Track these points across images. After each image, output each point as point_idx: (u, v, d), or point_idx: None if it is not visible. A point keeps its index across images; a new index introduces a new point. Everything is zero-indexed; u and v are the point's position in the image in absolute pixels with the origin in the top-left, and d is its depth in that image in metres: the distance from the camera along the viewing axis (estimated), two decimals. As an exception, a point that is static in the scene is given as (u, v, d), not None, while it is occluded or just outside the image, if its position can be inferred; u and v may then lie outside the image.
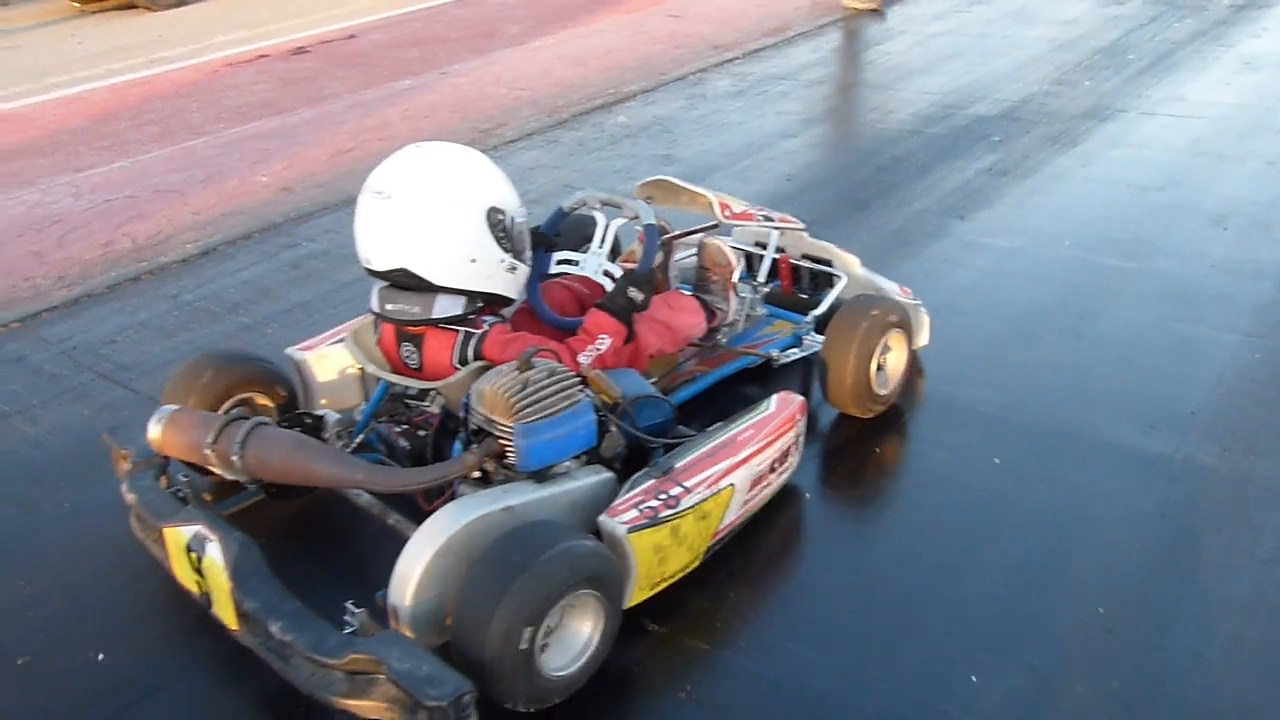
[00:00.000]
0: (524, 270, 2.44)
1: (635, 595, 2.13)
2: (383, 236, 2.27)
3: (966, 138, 5.17)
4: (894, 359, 2.87)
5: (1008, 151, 4.95)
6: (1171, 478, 2.61)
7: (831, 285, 3.19)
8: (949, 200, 4.42)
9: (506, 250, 2.34)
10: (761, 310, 3.14)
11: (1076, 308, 3.51)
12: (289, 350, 2.77)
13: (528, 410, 2.07)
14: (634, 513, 2.10)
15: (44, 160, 5.93)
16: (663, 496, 2.14)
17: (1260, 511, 2.48)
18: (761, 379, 3.01)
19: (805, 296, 3.29)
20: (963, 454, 2.75)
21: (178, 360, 3.48)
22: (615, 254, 2.99)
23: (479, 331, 2.33)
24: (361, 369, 2.55)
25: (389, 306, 2.34)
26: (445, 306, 2.31)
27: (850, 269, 3.20)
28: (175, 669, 2.20)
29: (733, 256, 2.98)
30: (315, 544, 2.57)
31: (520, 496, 2.08)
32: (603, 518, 2.10)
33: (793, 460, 2.52)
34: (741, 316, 3.02)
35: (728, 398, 2.89)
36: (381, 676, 1.80)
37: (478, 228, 2.28)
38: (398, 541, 2.06)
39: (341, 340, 2.67)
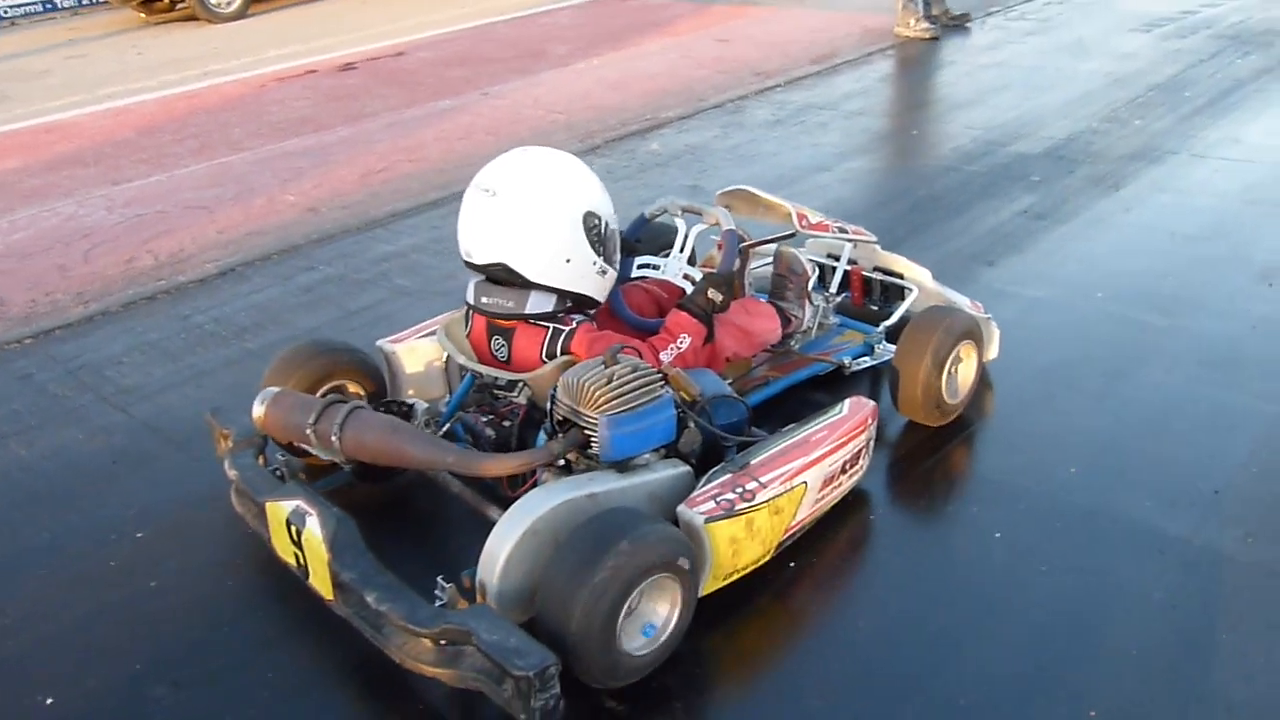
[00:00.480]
0: (612, 275, 2.55)
1: (709, 584, 2.22)
2: (485, 231, 2.40)
3: (1006, 177, 4.97)
4: (964, 369, 2.95)
5: (1047, 193, 4.75)
6: (1188, 565, 2.41)
7: (903, 297, 3.29)
8: (980, 244, 4.23)
9: (599, 254, 2.46)
10: (834, 320, 3.26)
11: (1104, 366, 3.31)
12: (380, 342, 2.91)
13: (613, 403, 2.17)
14: (711, 504, 2.20)
15: (86, 171, 5.99)
16: (739, 490, 2.24)
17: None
18: (831, 386, 3.04)
19: (876, 309, 3.38)
20: (963, 526, 2.59)
21: (178, 384, 3.49)
22: (693, 260, 3.06)
23: (567, 328, 2.44)
24: (447, 362, 2.80)
25: (485, 300, 2.47)
26: (537, 303, 2.42)
27: (921, 282, 3.28)
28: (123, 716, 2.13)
29: (808, 265, 3.09)
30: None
31: (603, 485, 2.18)
32: (681, 508, 2.19)
33: (863, 463, 2.59)
34: (815, 324, 3.15)
35: (797, 403, 2.92)
36: (470, 648, 1.91)
37: (574, 230, 2.40)
38: (483, 524, 2.18)
39: (430, 334, 2.86)
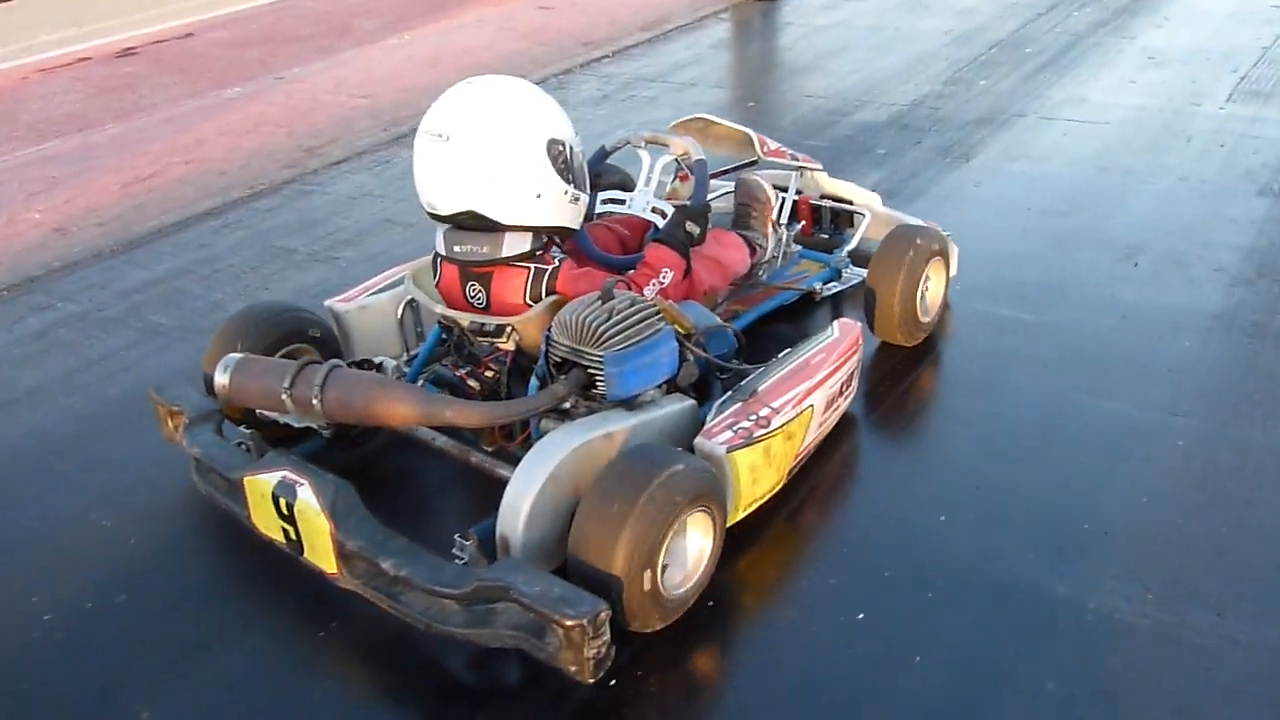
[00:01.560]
0: (585, 200, 2.41)
1: (733, 515, 2.17)
2: (446, 180, 2.23)
3: (850, 151, 4.54)
4: (934, 286, 2.96)
5: (895, 167, 4.34)
6: (1082, 638, 1.99)
7: (852, 224, 3.33)
8: (826, 232, 3.77)
9: (568, 182, 2.30)
10: (795, 248, 3.21)
11: (966, 380, 2.90)
12: (328, 302, 2.72)
13: (617, 338, 2.09)
14: (729, 434, 2.15)
15: None
16: (754, 418, 2.20)
17: (1190, 688, 1.88)
18: (796, 318, 3.00)
19: (826, 237, 3.38)
20: (819, 602, 2.11)
21: None
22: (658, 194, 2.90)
23: (550, 267, 2.32)
24: (403, 317, 2.71)
25: (457, 249, 2.31)
26: (514, 244, 2.29)
27: (871, 206, 3.32)
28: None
29: (772, 192, 3.04)
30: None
31: (617, 424, 2.10)
32: (700, 440, 2.14)
33: (854, 386, 2.58)
34: (780, 253, 3.08)
35: (764, 337, 2.83)
36: (501, 605, 1.83)
37: (540, 162, 2.24)
38: (477, 480, 2.17)
39: (381, 291, 2.73)
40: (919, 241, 2.87)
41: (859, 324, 2.57)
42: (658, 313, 2.20)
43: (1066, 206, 3.88)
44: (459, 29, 7.33)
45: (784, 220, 3.10)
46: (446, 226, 2.31)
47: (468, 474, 2.31)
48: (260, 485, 2.07)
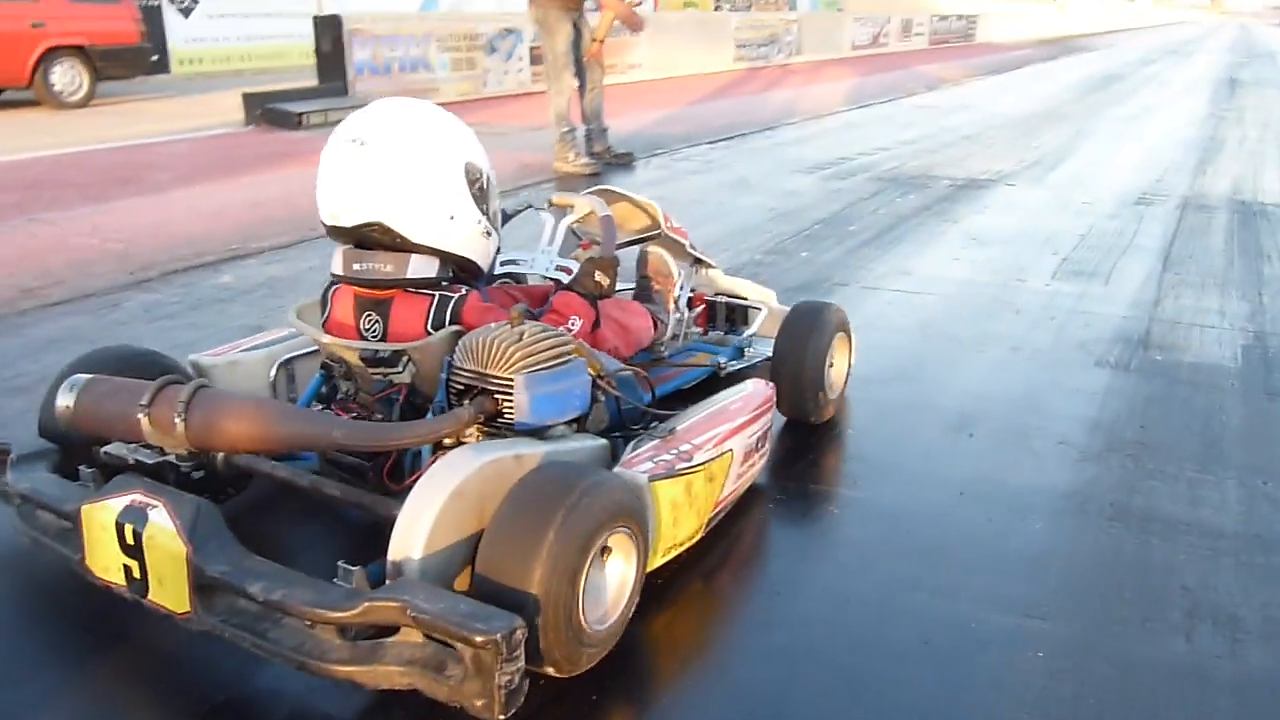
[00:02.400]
0: (495, 241, 2.27)
1: (651, 558, 1.97)
2: (357, 188, 2.07)
3: (659, 312, 4.00)
4: (839, 362, 3.00)
5: (708, 331, 3.81)
6: None
7: (747, 322, 3.25)
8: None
9: (482, 211, 2.18)
10: (695, 329, 3.15)
11: (776, 574, 2.25)
12: (194, 357, 2.43)
13: (527, 362, 1.94)
14: (650, 464, 2.02)
15: None
16: (674, 452, 2.10)
17: None
18: (699, 396, 2.47)
19: (722, 334, 3.26)
20: None
21: None
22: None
23: (456, 295, 2.14)
24: (276, 377, 2.47)
25: (357, 266, 2.11)
26: (419, 267, 2.11)
27: (768, 302, 3.26)
28: None
29: (675, 267, 2.97)
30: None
31: (529, 449, 1.90)
32: (619, 469, 1.99)
33: (767, 448, 2.50)
34: (682, 332, 2.96)
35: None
36: (389, 641, 1.61)
37: (457, 183, 2.12)
38: (364, 529, 1.98)
39: (252, 349, 2.51)
40: (825, 313, 2.91)
41: (771, 385, 2.53)
42: (570, 344, 2.04)
43: (892, 375, 3.39)
44: (260, 185, 6.69)
45: (683, 303, 2.97)
46: (346, 247, 2.14)
47: (350, 525, 2.17)
48: (101, 514, 1.82)
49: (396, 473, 2.03)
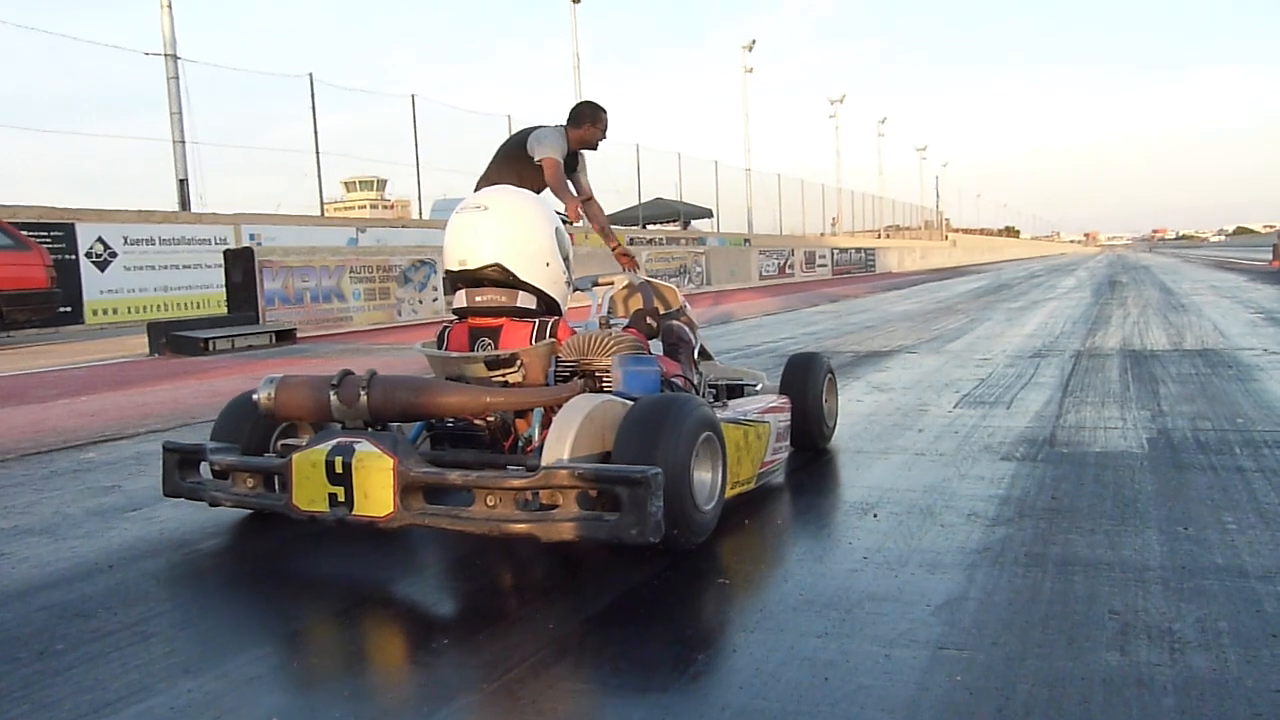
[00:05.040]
0: (570, 291, 2.94)
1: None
2: (481, 239, 2.77)
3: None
4: (831, 400, 3.69)
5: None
6: None
7: (743, 394, 3.60)
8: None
9: (566, 265, 2.88)
10: (710, 393, 3.42)
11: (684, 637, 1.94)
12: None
13: (618, 349, 2.74)
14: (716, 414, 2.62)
15: None
16: (731, 411, 2.90)
17: None
18: None
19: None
20: None
21: None
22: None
23: (553, 319, 2.82)
24: None
25: (479, 298, 2.80)
26: (525, 300, 2.80)
27: (761, 378, 3.74)
28: None
29: (693, 336, 3.45)
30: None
31: (627, 402, 2.49)
32: None
33: (787, 444, 3.22)
34: (702, 386, 3.26)
35: None
36: (558, 509, 2.17)
37: (551, 237, 2.83)
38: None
39: None
40: (813, 362, 3.64)
41: (786, 397, 3.37)
42: (642, 345, 2.88)
43: (793, 482, 3.17)
44: (152, 392, 6.42)
45: (698, 362, 3.46)
46: (467, 289, 2.81)
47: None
48: (311, 457, 2.34)
49: (512, 444, 2.69)
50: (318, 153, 17.21)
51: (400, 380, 2.43)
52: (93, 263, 13.76)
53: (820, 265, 28.21)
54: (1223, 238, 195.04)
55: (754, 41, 33.89)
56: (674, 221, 28.58)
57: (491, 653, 1.86)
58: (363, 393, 2.40)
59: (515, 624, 2.02)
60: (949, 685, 1.63)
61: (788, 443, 3.19)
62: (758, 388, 3.65)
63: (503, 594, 2.30)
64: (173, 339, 9.04)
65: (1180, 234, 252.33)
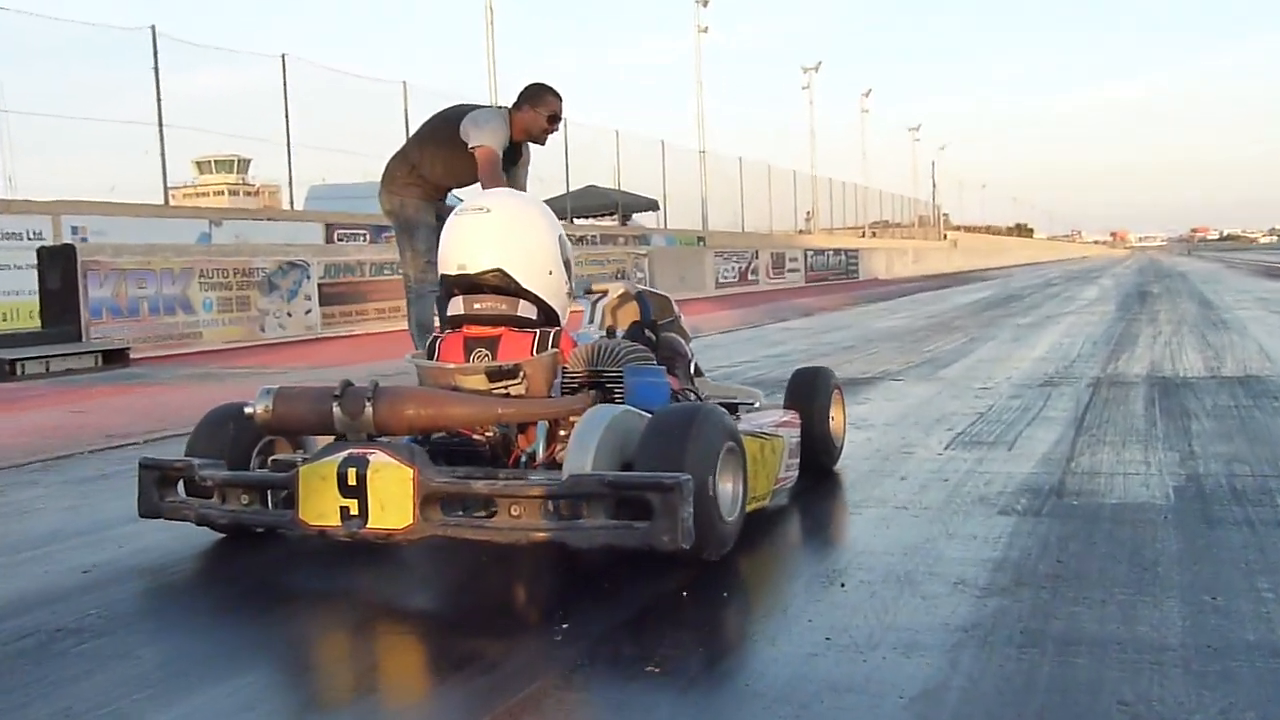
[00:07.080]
0: (570, 301, 3.39)
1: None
2: (481, 242, 3.15)
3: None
4: (838, 416, 4.18)
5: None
6: None
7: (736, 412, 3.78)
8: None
9: (568, 275, 3.28)
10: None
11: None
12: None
13: (631, 360, 3.20)
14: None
15: None
16: (747, 424, 3.33)
17: None
18: None
19: None
20: None
21: None
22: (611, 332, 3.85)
23: (555, 329, 3.18)
24: None
25: (477, 305, 3.15)
26: (526, 309, 3.15)
27: (758, 395, 4.19)
28: None
29: (688, 349, 3.95)
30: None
31: (643, 413, 2.96)
32: None
33: (796, 463, 3.65)
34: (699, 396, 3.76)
35: None
36: (584, 518, 2.59)
37: (554, 245, 3.22)
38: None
39: None
40: (820, 375, 4.18)
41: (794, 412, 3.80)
42: (650, 355, 3.34)
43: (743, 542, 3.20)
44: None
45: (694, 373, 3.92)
46: (465, 294, 3.14)
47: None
48: (320, 470, 2.70)
49: (499, 452, 3.04)
50: (160, 124, 16.85)
51: (407, 391, 2.82)
52: None
53: (791, 270, 28.54)
54: (1275, 238, 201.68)
55: (710, -6, 34.10)
56: (610, 215, 28.70)
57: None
58: (368, 404, 2.74)
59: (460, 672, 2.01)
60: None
61: (798, 460, 3.59)
62: (755, 406, 3.96)
63: (472, 628, 2.28)
64: (-32, 361, 8.89)
65: (1225, 234, 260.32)
